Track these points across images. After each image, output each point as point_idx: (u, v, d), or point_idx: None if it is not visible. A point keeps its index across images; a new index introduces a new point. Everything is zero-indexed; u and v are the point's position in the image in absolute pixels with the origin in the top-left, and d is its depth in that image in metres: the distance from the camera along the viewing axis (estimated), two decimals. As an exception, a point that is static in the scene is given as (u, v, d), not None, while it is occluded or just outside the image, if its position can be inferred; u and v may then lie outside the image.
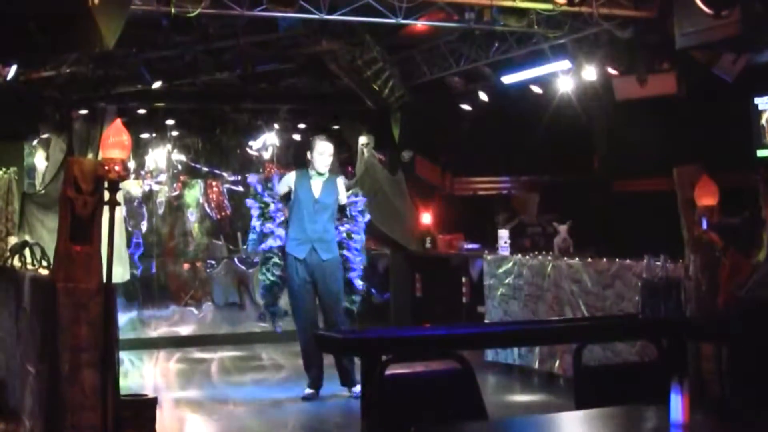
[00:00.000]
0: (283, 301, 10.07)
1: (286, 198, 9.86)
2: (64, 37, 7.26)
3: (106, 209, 6.47)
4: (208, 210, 16.85)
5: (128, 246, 14.22)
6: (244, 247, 16.69)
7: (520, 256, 11.12)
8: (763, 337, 6.40)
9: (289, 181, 9.86)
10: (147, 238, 15.59)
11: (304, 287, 9.64)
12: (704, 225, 7.68)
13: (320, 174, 9.71)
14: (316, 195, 9.66)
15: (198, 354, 12.09)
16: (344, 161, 15.57)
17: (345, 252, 9.87)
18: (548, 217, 13.10)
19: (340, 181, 10.02)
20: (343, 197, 9.92)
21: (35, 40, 7.13)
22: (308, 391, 9.70)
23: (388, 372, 4.56)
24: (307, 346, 9.60)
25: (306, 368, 9.81)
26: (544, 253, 11.22)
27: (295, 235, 9.65)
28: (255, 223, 10.00)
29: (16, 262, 7.97)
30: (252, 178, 10.45)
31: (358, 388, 9.46)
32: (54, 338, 6.45)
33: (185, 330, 14.07)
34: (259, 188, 9.96)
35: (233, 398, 9.48)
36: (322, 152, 9.70)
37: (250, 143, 17.08)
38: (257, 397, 9.49)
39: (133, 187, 16.04)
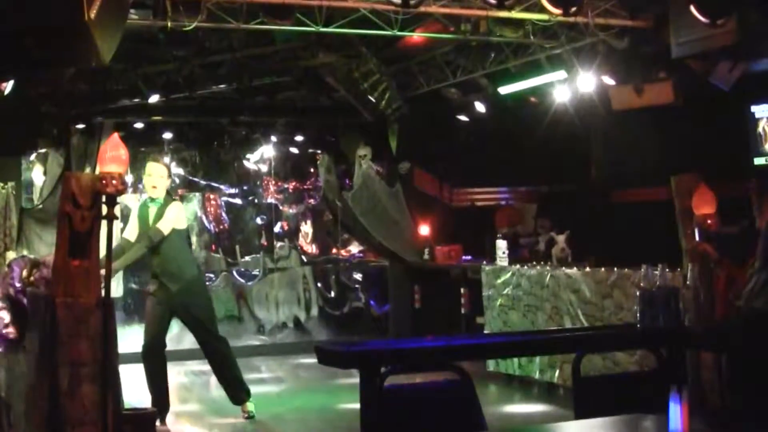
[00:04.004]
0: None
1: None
2: (60, 52, 7.26)
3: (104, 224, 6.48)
4: (206, 223, 16.87)
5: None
6: (243, 259, 16.74)
7: (518, 266, 11.12)
8: (761, 346, 6.41)
9: (133, 217, 9.21)
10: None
11: (152, 316, 9.19)
12: (697, 236, 7.69)
13: (153, 200, 9.08)
14: (149, 225, 9.02)
15: (197, 367, 12.06)
16: (342, 173, 15.59)
17: None
18: (546, 226, 13.11)
19: (171, 207, 9.09)
20: (166, 223, 8.96)
21: (32, 56, 7.14)
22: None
23: (387, 384, 4.56)
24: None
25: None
26: (542, 263, 11.23)
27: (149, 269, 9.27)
28: None
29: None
30: None
31: (250, 407, 9.38)
32: (53, 353, 6.45)
33: (184, 343, 14.01)
34: None
35: (233, 411, 9.46)
36: (150, 174, 9.11)
37: (248, 156, 17.10)
38: (256, 410, 9.47)
39: (130, 201, 16.04)
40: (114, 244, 6.93)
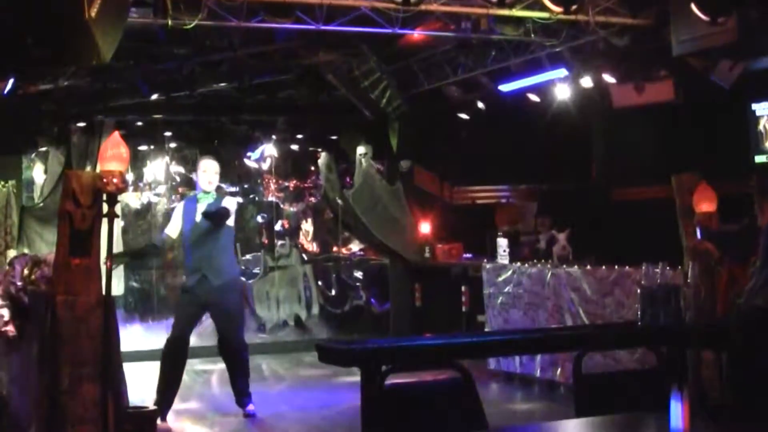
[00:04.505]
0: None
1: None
2: (61, 50, 7.27)
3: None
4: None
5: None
6: (244, 258, 16.73)
7: (519, 264, 11.10)
8: (761, 344, 6.40)
9: (177, 214, 9.36)
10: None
11: (185, 311, 9.27)
12: (699, 235, 7.68)
13: (206, 194, 9.21)
14: (197, 219, 9.12)
15: (199, 365, 12.05)
16: (343, 172, 15.58)
17: None
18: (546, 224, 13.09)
19: (227, 201, 9.30)
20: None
21: (32, 54, 7.14)
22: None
23: (387, 382, 4.56)
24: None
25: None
26: (543, 261, 11.22)
27: (187, 263, 9.35)
28: None
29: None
30: None
31: (251, 407, 9.41)
32: (54, 352, 6.45)
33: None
34: None
35: (235, 410, 9.46)
36: (206, 170, 9.22)
37: (248, 154, 17.09)
38: (258, 408, 9.47)
39: (131, 199, 16.04)
40: (114, 242, 6.92)
